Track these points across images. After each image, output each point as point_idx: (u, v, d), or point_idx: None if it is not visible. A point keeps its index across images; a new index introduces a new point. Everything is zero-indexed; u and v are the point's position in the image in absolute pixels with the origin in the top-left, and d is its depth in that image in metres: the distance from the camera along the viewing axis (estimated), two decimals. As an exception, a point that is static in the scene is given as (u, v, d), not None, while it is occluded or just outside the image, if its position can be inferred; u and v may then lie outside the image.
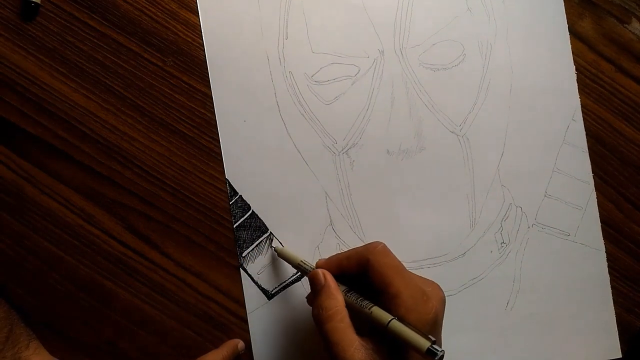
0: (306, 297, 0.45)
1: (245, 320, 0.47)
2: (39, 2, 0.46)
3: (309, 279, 0.41)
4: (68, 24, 0.47)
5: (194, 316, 0.47)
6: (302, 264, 0.44)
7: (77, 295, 0.46)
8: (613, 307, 0.49)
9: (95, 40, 0.47)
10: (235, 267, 0.47)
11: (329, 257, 0.43)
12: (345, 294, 0.40)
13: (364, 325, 0.39)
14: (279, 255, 0.47)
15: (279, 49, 0.48)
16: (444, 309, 0.40)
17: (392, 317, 0.37)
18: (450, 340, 0.47)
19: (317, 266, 0.43)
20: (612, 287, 0.49)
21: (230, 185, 0.47)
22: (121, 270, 0.47)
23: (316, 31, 0.48)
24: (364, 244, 0.42)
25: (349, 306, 0.39)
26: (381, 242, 0.41)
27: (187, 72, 0.47)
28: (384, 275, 0.39)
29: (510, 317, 0.48)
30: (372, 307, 0.38)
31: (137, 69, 0.47)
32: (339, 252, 0.44)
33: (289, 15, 0.48)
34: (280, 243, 0.47)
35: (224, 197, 0.47)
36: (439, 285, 0.41)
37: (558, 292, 0.49)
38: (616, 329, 0.49)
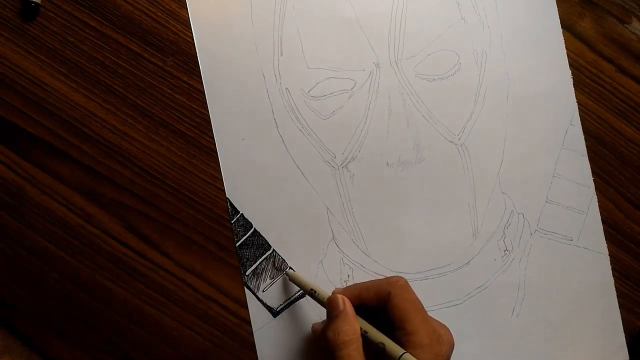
0: (313, 326, 0.45)
1: (246, 321, 0.47)
2: (39, 2, 0.46)
3: (327, 303, 0.41)
4: (68, 24, 0.47)
5: (194, 316, 0.47)
6: (314, 291, 0.43)
7: (77, 295, 0.46)
8: (619, 311, 0.49)
9: (96, 40, 0.47)
10: (235, 266, 0.47)
11: (347, 287, 0.44)
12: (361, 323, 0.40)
13: (371, 358, 0.39)
14: (291, 280, 0.46)
15: (274, 65, 0.48)
16: (451, 354, 0.40)
17: (404, 352, 0.37)
18: (457, 349, 0.47)
19: (335, 293, 0.42)
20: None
21: (231, 204, 0.47)
22: (121, 270, 0.47)
23: (311, 47, 0.48)
24: (384, 277, 0.43)
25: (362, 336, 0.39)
26: (402, 277, 0.42)
27: (187, 72, 0.47)
28: (404, 311, 0.39)
29: (516, 324, 0.48)
30: (384, 340, 0.39)
31: (137, 69, 0.47)
32: (354, 280, 0.45)
33: (282, 31, 0.48)
34: (291, 267, 0.47)
35: (223, 197, 0.47)
36: (450, 330, 0.41)
37: (563, 298, 0.49)
38: (623, 333, 0.49)
